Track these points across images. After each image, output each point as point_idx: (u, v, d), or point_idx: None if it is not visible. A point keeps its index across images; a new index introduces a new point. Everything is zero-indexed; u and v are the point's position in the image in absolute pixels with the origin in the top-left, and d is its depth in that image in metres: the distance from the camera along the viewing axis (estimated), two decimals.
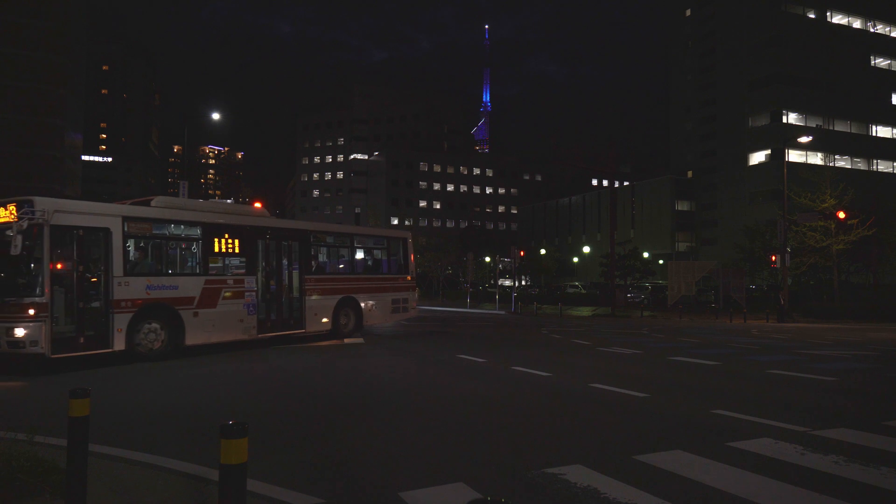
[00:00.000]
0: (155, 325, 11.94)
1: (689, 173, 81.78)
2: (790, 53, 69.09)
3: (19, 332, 10.05)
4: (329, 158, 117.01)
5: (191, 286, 12.70)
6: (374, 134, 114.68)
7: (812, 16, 72.33)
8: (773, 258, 32.72)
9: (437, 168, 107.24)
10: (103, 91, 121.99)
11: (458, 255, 59.71)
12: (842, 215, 30.45)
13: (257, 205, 27.97)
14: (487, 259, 64.23)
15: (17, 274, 10.43)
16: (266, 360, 12.46)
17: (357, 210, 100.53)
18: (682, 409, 7.72)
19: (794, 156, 65.38)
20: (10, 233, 10.14)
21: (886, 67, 74.80)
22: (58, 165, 63.16)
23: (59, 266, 10.71)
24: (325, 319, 15.84)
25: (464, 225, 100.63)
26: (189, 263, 13.21)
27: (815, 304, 31.68)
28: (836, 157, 69.80)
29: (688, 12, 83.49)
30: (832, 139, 69.29)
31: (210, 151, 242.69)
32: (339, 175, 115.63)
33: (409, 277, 19.08)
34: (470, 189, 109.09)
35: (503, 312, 36.51)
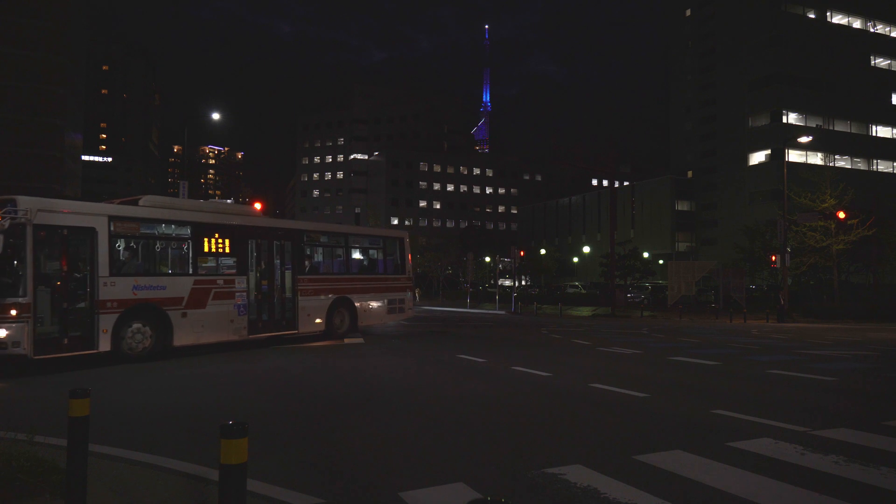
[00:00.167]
0: (142, 326, 11.80)
1: (689, 173, 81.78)
2: (790, 53, 69.09)
3: (1, 332, 9.92)
4: (329, 158, 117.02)
5: (179, 286, 12.55)
6: (374, 134, 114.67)
7: (812, 16, 72.32)
8: (773, 258, 32.71)
9: (437, 168, 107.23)
10: (103, 91, 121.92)
11: (458, 255, 59.73)
12: (842, 215, 30.44)
13: (257, 205, 27.92)
14: (487, 259, 64.24)
15: None
16: (266, 361, 12.46)
17: (357, 210, 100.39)
18: (682, 409, 7.72)
19: (794, 156, 65.39)
20: None
21: (886, 67, 74.79)
22: (58, 165, 63.14)
23: (42, 266, 10.57)
24: (318, 320, 15.67)
25: (464, 225, 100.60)
26: (178, 263, 13.03)
27: (815, 304, 31.68)
28: (836, 157, 69.79)
29: (688, 12, 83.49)
30: (832, 139, 69.29)
31: (210, 151, 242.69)
32: (339, 175, 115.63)
33: (406, 278, 18.91)
34: (470, 189, 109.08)
35: (503, 312, 36.51)
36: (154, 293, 12.06)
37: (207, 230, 13.29)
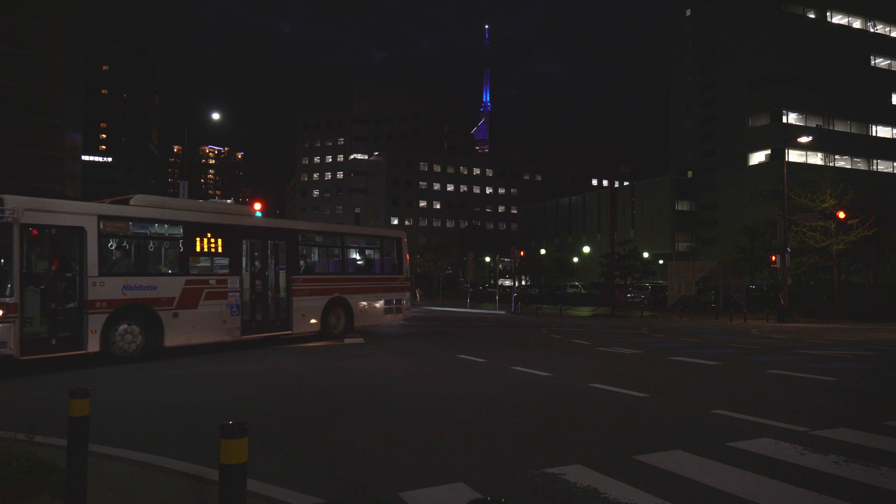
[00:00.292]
0: (132, 327, 11.70)
1: (689, 173, 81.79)
2: (790, 53, 69.09)
3: None
4: (329, 158, 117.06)
5: (170, 286, 12.43)
6: (374, 134, 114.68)
7: (812, 16, 72.33)
8: (773, 258, 32.71)
9: (437, 168, 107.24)
10: (103, 91, 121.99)
11: (458, 255, 59.73)
12: (842, 215, 30.44)
13: (257, 205, 27.90)
14: (487, 259, 64.24)
15: None
16: (266, 361, 12.45)
17: (357, 210, 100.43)
18: (682, 409, 7.72)
19: (794, 156, 65.41)
20: None
21: (886, 67, 74.79)
22: (58, 165, 63.15)
23: (30, 266, 10.50)
24: (313, 320, 15.52)
25: (464, 225, 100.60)
26: (169, 263, 12.93)
27: (815, 304, 31.67)
28: (836, 157, 69.80)
29: (688, 12, 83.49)
30: (832, 139, 69.29)
31: (210, 151, 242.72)
32: (339, 175, 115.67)
33: (403, 278, 18.75)
34: (470, 189, 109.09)
35: (503, 312, 36.51)
36: (144, 293, 11.95)
37: (199, 230, 13.16)
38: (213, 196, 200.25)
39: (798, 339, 18.68)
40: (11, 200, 10.29)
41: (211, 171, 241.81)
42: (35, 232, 10.56)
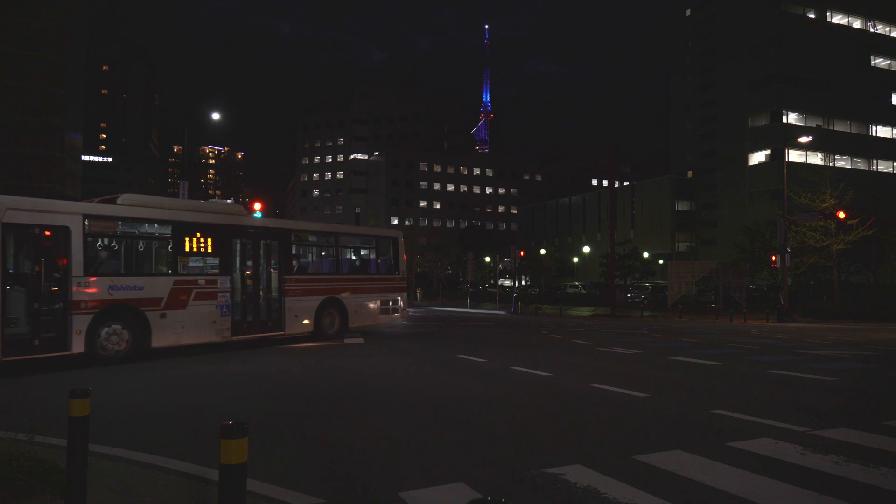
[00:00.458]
0: (118, 327, 11.53)
1: (689, 173, 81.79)
2: (790, 53, 69.09)
3: None
4: (329, 158, 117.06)
5: (158, 287, 12.28)
6: (374, 134, 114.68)
7: (812, 16, 72.34)
8: (773, 258, 32.70)
9: (437, 168, 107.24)
10: (103, 91, 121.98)
11: (458, 255, 59.71)
12: (842, 215, 30.44)
13: (257, 205, 27.89)
14: (487, 259, 64.23)
15: None
16: (266, 361, 12.45)
17: (357, 210, 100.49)
18: (682, 409, 7.72)
19: (794, 156, 65.40)
20: None
21: (886, 67, 74.79)
22: (58, 165, 63.16)
23: (13, 266, 10.39)
24: (306, 321, 15.31)
25: (464, 225, 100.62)
26: (157, 263, 12.76)
27: (815, 304, 31.67)
28: (836, 157, 69.80)
29: (688, 12, 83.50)
30: (832, 139, 69.29)
31: (210, 151, 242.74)
32: (339, 175, 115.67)
33: (399, 278, 18.51)
34: (470, 189, 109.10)
35: (503, 312, 36.51)
36: (131, 293, 11.80)
37: (189, 229, 13.00)
38: (213, 196, 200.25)
39: (798, 339, 18.68)
40: None
41: (211, 171, 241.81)
42: (19, 232, 10.45)
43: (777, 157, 64.75)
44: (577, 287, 55.83)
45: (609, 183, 46.12)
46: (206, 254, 13.36)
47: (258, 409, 7.68)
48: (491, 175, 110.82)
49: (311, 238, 16.94)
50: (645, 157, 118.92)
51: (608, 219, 59.34)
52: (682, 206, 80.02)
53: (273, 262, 14.78)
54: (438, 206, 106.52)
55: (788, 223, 30.26)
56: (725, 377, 10.45)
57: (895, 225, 34.77)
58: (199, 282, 13.04)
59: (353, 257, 18.03)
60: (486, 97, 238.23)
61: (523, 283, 71.57)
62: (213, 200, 24.87)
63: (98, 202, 12.65)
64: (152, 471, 5.02)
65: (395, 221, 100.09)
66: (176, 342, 12.55)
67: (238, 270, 14.00)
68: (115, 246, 12.19)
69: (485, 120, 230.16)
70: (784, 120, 68.79)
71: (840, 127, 71.47)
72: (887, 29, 75.65)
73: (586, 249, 78.53)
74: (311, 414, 7.47)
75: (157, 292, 12.23)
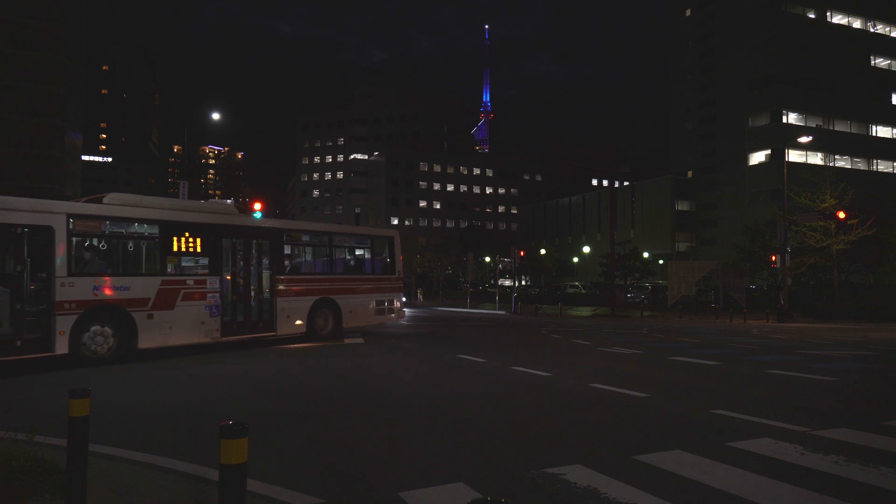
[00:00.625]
0: (103, 328, 11.38)
1: (689, 173, 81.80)
2: (790, 53, 69.10)
3: None
4: (329, 158, 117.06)
5: (145, 287, 12.12)
6: (374, 134, 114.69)
7: (812, 16, 72.34)
8: (773, 258, 32.71)
9: (437, 168, 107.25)
10: (103, 91, 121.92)
11: (458, 255, 59.73)
12: (842, 215, 30.44)
13: (257, 205, 27.88)
14: (487, 259, 64.24)
15: None
16: (265, 361, 12.45)
17: (357, 210, 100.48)
18: (682, 409, 7.72)
19: (794, 156, 65.41)
20: None
21: (886, 67, 74.80)
22: (58, 165, 63.18)
23: None
24: (298, 322, 15.09)
25: (464, 225, 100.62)
26: (144, 263, 12.56)
27: (815, 304, 31.67)
28: (836, 157, 69.81)
29: (688, 12, 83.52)
30: (832, 139, 69.30)
31: (210, 151, 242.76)
32: (339, 175, 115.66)
33: (395, 278, 18.25)
34: (470, 189, 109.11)
35: (503, 312, 36.51)
36: (117, 294, 11.65)
37: (177, 229, 12.83)
38: (214, 196, 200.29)
39: (798, 339, 18.68)
40: None
41: (211, 171, 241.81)
42: (1, 231, 10.35)
43: (777, 157, 64.75)
44: (577, 287, 55.83)
45: (609, 183, 46.14)
46: (194, 254, 13.17)
47: (258, 409, 7.68)
48: (491, 175, 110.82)
49: (304, 238, 16.65)
50: (645, 157, 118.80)
51: (608, 219, 59.36)
52: (682, 206, 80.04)
53: (265, 261, 14.56)
54: (438, 206, 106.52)
55: (788, 223, 30.26)
56: (725, 377, 10.45)
57: (895, 225, 34.77)
58: (188, 282, 12.86)
59: (348, 257, 17.77)
60: (486, 97, 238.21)
61: (523, 283, 71.58)
62: (213, 200, 24.68)
63: (85, 201, 12.53)
64: (152, 471, 5.02)
65: (395, 221, 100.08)
66: (163, 343, 12.36)
67: (228, 270, 13.74)
68: (100, 246, 12.02)
69: (485, 120, 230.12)
70: (784, 120, 68.80)
71: (840, 127, 71.48)
72: (887, 29, 75.66)
73: (586, 249, 78.55)
74: (311, 414, 7.47)
75: (143, 292, 12.07)
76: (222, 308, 13.37)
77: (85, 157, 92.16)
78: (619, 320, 29.24)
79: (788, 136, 51.09)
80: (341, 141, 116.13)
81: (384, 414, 7.45)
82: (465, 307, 41.99)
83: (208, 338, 13.12)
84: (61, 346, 10.75)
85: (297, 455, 5.65)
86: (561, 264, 75.25)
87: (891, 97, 74.30)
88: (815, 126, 68.16)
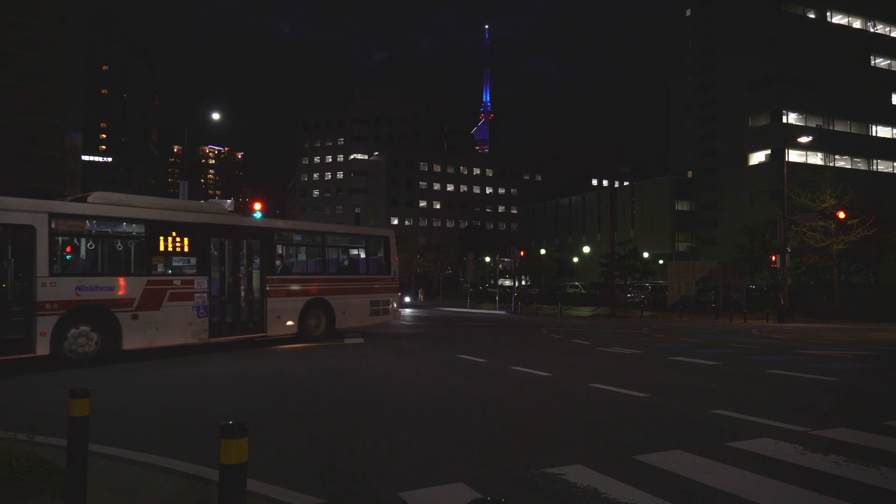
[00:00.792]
0: (86, 329, 11.21)
1: (689, 173, 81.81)
2: (790, 53, 69.10)
3: None
4: (329, 158, 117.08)
5: (130, 287, 11.94)
6: (374, 134, 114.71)
7: (812, 16, 72.34)
8: (773, 258, 32.72)
9: (437, 168, 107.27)
10: (103, 91, 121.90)
11: (458, 255, 59.71)
12: (842, 215, 30.45)
13: (257, 205, 27.88)
14: (487, 259, 64.23)
15: None
16: (265, 362, 12.44)
17: (357, 210, 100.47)
18: (682, 409, 7.72)
19: (794, 156, 65.41)
20: None
21: (886, 67, 74.80)
22: (58, 165, 63.17)
23: None
24: (290, 322, 14.88)
25: (464, 225, 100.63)
26: (129, 263, 12.39)
27: (815, 304, 31.68)
28: (836, 157, 69.80)
29: (688, 12, 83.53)
30: (832, 139, 69.29)
31: (210, 151, 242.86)
32: (339, 175, 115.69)
33: (391, 278, 17.93)
34: (470, 189, 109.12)
35: (503, 312, 36.51)
36: (101, 294, 11.48)
37: (163, 228, 12.66)
38: (214, 196, 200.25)
39: (798, 339, 18.68)
40: None
41: (211, 171, 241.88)
42: None
43: (777, 157, 64.75)
44: (577, 287, 55.82)
45: (609, 183, 46.13)
46: (182, 253, 13.00)
47: (258, 409, 7.68)
48: (491, 175, 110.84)
49: (296, 237, 16.43)
50: (645, 157, 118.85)
51: (608, 219, 59.34)
52: (682, 206, 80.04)
53: (254, 261, 14.36)
54: (438, 206, 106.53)
55: (788, 223, 30.26)
56: (725, 377, 10.45)
57: (895, 225, 34.78)
58: (175, 282, 12.67)
59: (342, 257, 17.51)
60: (486, 97, 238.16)
61: (523, 283, 71.57)
62: (212, 200, 24.61)
63: (69, 200, 12.41)
64: (152, 471, 5.02)
65: (395, 221, 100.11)
66: (149, 344, 12.22)
67: (217, 270, 13.54)
68: (84, 245, 11.90)
69: (485, 120, 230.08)
70: (784, 120, 68.79)
71: (840, 127, 71.48)
72: (887, 29, 75.66)
73: (586, 249, 78.55)
74: (310, 414, 7.47)
75: (128, 293, 11.90)
76: (210, 308, 13.18)
77: (85, 157, 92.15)
78: (619, 320, 29.24)
79: (788, 136, 51.09)
80: (341, 141, 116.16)
81: (384, 414, 7.45)
82: (465, 307, 41.99)
83: (196, 339, 12.95)
84: (42, 348, 10.59)
85: (297, 455, 5.65)
86: (561, 264, 75.25)
87: (891, 97, 74.29)
88: (815, 126, 68.16)
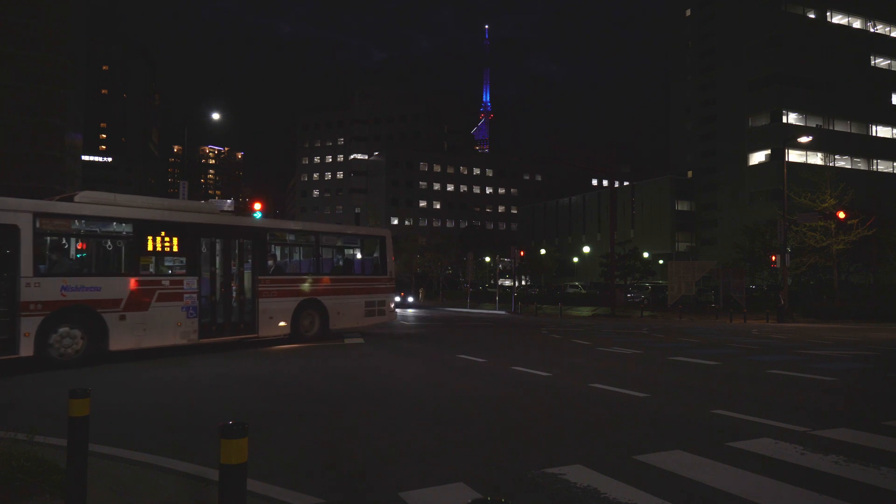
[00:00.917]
0: (71, 330, 11.10)
1: (689, 173, 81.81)
2: (790, 53, 69.10)
3: None
4: (329, 158, 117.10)
5: (117, 287, 11.80)
6: (374, 134, 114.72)
7: (812, 16, 72.35)
8: (773, 258, 32.72)
9: (437, 168, 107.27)
10: (103, 91, 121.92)
11: (458, 255, 59.70)
12: (842, 215, 30.45)
13: (257, 205, 27.89)
14: (487, 259, 64.24)
15: None
16: (265, 362, 12.44)
17: (357, 210, 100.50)
18: (682, 409, 7.72)
19: (794, 156, 65.41)
20: None
21: (886, 67, 74.81)
22: (58, 165, 63.19)
23: None
24: (282, 323, 14.73)
25: (464, 225, 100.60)
26: (116, 263, 12.31)
27: (815, 304, 31.68)
28: (836, 157, 69.81)
29: (688, 12, 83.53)
30: (832, 139, 69.30)
31: (210, 151, 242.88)
32: (339, 175, 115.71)
33: (387, 279, 17.73)
34: (470, 189, 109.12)
35: (503, 312, 36.51)
36: (87, 294, 11.34)
37: (152, 228, 12.52)
38: (214, 196, 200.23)
39: (798, 339, 18.68)
40: None
41: (211, 171, 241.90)
42: None
43: (777, 157, 64.76)
44: (577, 287, 55.82)
45: (609, 183, 46.15)
46: (171, 253, 12.87)
47: (258, 409, 7.68)
48: (491, 175, 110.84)
49: (289, 237, 16.30)
50: (645, 157, 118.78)
51: (608, 219, 59.36)
52: (682, 206, 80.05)
53: (246, 261, 14.20)
54: (438, 206, 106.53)
55: (788, 223, 30.26)
56: (725, 377, 10.45)
57: (895, 225, 34.79)
58: (163, 282, 12.53)
59: (336, 257, 17.29)
60: (486, 97, 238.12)
61: (523, 283, 71.58)
62: (212, 200, 24.58)
63: (56, 200, 12.33)
64: (152, 471, 5.02)
65: (395, 221, 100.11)
66: (137, 345, 12.08)
67: (207, 271, 13.42)
68: (70, 245, 11.80)
69: (485, 120, 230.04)
70: (784, 120, 68.80)
71: (840, 127, 71.49)
72: (887, 29, 75.66)
73: (586, 249, 78.55)
74: (311, 414, 7.47)
75: (115, 293, 11.76)
76: (200, 309, 13.04)
77: (85, 157, 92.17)
78: (619, 320, 29.24)
79: (788, 136, 51.10)
80: (341, 141, 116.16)
81: (384, 414, 7.45)
82: (466, 307, 42.00)
83: (185, 339, 12.81)
84: (26, 349, 10.50)
85: (297, 455, 5.65)
86: (561, 264, 75.26)
87: (891, 97, 74.31)
88: (815, 126, 68.17)
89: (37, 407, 7.89)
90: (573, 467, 5.17)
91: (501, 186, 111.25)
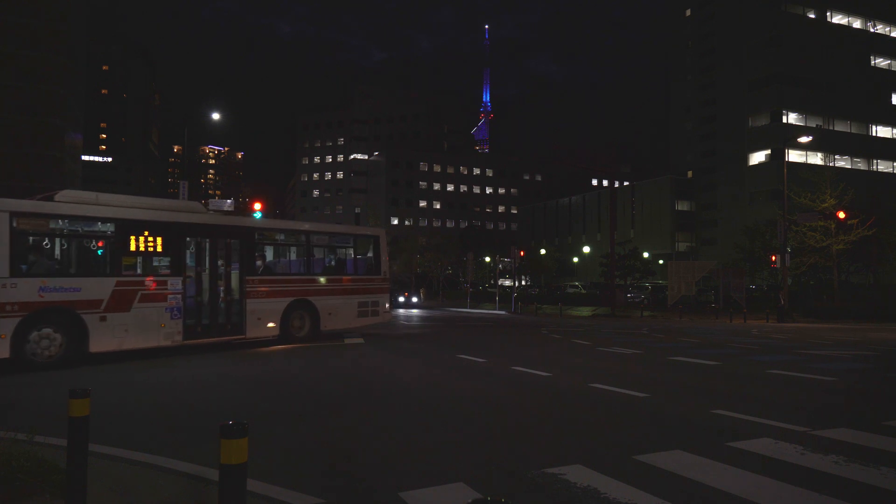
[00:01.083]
0: (50, 331, 10.94)
1: (689, 173, 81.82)
2: (790, 53, 69.11)
3: None
4: (329, 158, 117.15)
5: (98, 288, 11.65)
6: (374, 134, 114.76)
7: (812, 16, 72.36)
8: (773, 258, 32.72)
9: (437, 168, 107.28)
10: (103, 91, 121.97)
11: (458, 255, 59.73)
12: (842, 215, 30.45)
13: (257, 205, 27.89)
14: (487, 259, 64.25)
15: None
16: (264, 362, 12.44)
17: (357, 210, 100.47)
18: (682, 409, 7.72)
19: (794, 156, 65.42)
20: None
21: (886, 67, 74.82)
22: (58, 165, 63.14)
23: None
24: (271, 324, 14.50)
25: (464, 225, 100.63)
26: (97, 263, 12.17)
27: (815, 304, 31.68)
28: (836, 157, 69.83)
29: (688, 12, 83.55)
30: (832, 139, 69.31)
31: (210, 151, 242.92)
32: (339, 175, 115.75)
33: (381, 279, 17.46)
34: (470, 189, 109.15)
35: (503, 312, 36.52)
36: (66, 295, 11.19)
37: (134, 227, 12.35)
38: (214, 196, 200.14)
39: (798, 339, 18.68)
40: None
41: (211, 171, 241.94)
42: None
43: (777, 157, 64.77)
44: (577, 287, 55.83)
45: (609, 183, 46.15)
46: (154, 253, 12.65)
47: (258, 409, 7.68)
48: (491, 175, 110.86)
49: (279, 237, 16.10)
50: (645, 157, 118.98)
51: (608, 219, 59.36)
52: (682, 206, 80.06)
53: (233, 261, 13.99)
54: (438, 206, 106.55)
55: (788, 223, 30.27)
56: (725, 377, 10.45)
57: (895, 225, 34.80)
58: (146, 283, 12.35)
59: (328, 257, 16.99)
60: (486, 97, 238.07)
61: (523, 283, 71.59)
62: (212, 200, 24.57)
63: (37, 199, 12.24)
64: (152, 471, 5.02)
65: (395, 221, 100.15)
66: (118, 346, 11.89)
67: (192, 271, 13.24)
68: (49, 245, 11.59)
69: (485, 120, 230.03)
70: (784, 120, 68.81)
71: (840, 127, 71.50)
72: (887, 29, 75.67)
73: (586, 249, 78.55)
74: (310, 414, 7.47)
75: (96, 294, 11.61)
76: (185, 310, 12.85)
77: (85, 157, 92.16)
78: (619, 320, 29.24)
79: (788, 136, 51.09)
80: (341, 141, 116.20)
81: (385, 414, 7.45)
82: (466, 307, 42.00)
83: (168, 341, 12.62)
84: (2, 350, 10.38)
85: (297, 455, 5.65)
86: (561, 264, 75.27)
87: (891, 97, 74.31)
88: (815, 126, 68.18)
89: (36, 407, 7.89)
90: (573, 467, 5.17)
91: (501, 186, 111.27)
